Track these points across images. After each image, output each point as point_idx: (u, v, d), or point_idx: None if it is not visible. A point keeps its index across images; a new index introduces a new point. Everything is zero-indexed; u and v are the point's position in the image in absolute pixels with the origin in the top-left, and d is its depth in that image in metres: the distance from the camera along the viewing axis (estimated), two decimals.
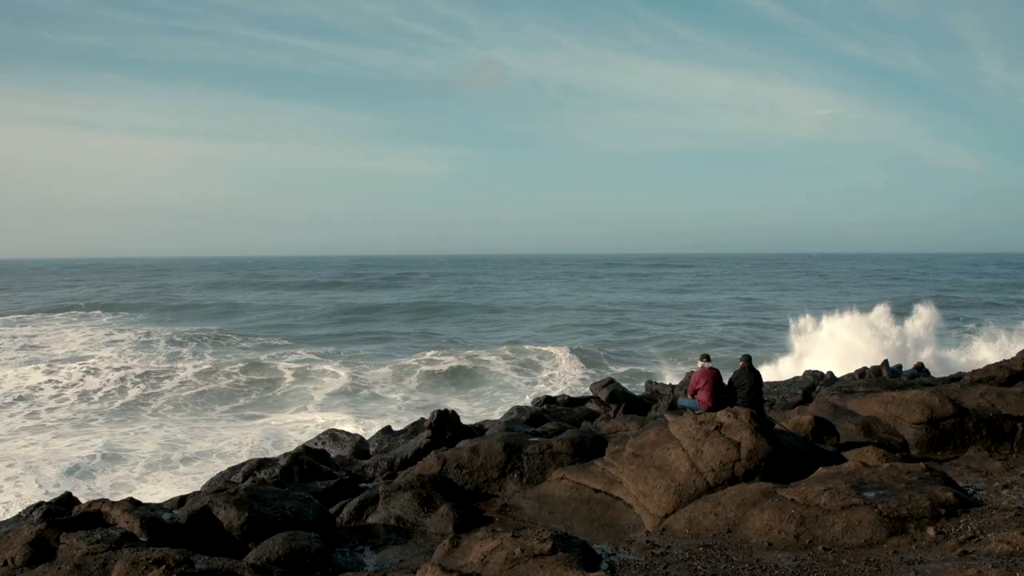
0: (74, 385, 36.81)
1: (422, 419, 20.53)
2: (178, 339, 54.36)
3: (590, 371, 41.16)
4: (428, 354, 45.64)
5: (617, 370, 41.11)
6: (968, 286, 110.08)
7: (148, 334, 57.31)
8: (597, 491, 11.47)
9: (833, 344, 42.23)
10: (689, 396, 14.86)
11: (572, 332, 59.69)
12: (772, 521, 9.24)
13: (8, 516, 12.51)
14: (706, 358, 14.83)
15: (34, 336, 56.93)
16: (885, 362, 28.38)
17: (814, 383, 24.55)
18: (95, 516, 9.98)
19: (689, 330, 58.94)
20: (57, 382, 37.18)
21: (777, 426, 12.96)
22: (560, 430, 16.02)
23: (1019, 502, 9.69)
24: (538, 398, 24.75)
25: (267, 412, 32.84)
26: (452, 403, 32.44)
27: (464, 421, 18.30)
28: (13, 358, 46.12)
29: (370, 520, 11.61)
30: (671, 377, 35.43)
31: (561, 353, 45.49)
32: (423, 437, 16.43)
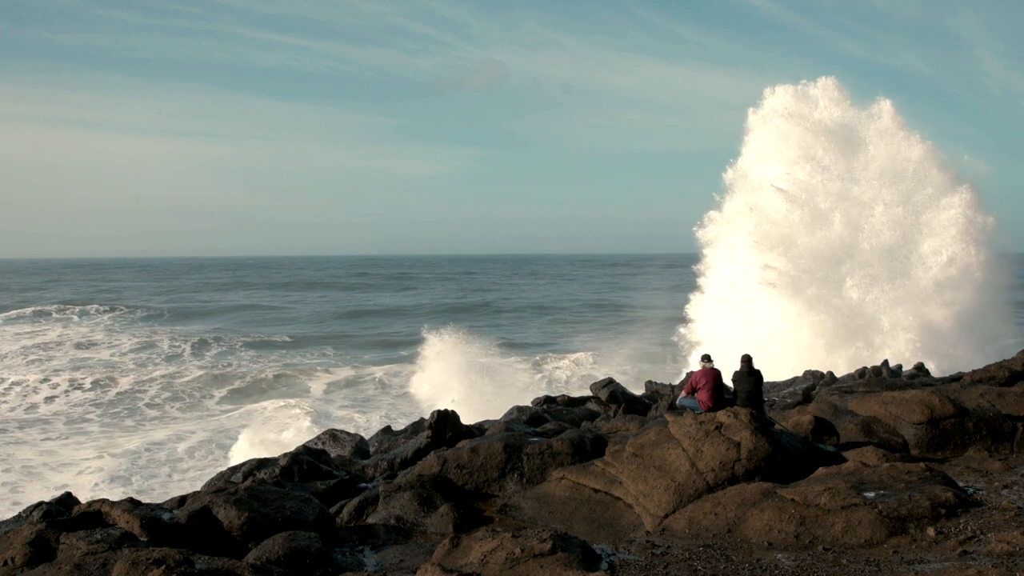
0: (73, 383, 36.80)
1: (422, 419, 20.52)
2: (179, 337, 54.36)
3: (591, 371, 41.14)
4: (427, 354, 45.61)
5: (618, 369, 41.09)
6: None
7: (147, 333, 57.33)
8: (597, 491, 11.47)
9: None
10: (686, 395, 14.86)
11: (572, 331, 59.68)
12: (772, 521, 9.24)
13: (8, 516, 12.51)
14: (707, 358, 14.81)
15: (34, 335, 56.92)
16: (885, 362, 28.32)
17: (814, 383, 24.52)
18: (95, 516, 9.98)
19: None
20: (56, 380, 37.18)
21: (777, 426, 12.96)
22: (560, 430, 16.02)
23: (1019, 502, 9.69)
24: (538, 398, 24.72)
25: (266, 408, 32.80)
26: (451, 402, 32.40)
27: (464, 421, 18.29)
28: (12, 359, 46.08)
29: (370, 520, 11.62)
30: (670, 376, 35.44)
31: (563, 354, 45.49)
32: (423, 437, 16.42)
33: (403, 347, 52.40)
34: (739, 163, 32.28)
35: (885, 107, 33.70)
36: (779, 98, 31.63)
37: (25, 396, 34.67)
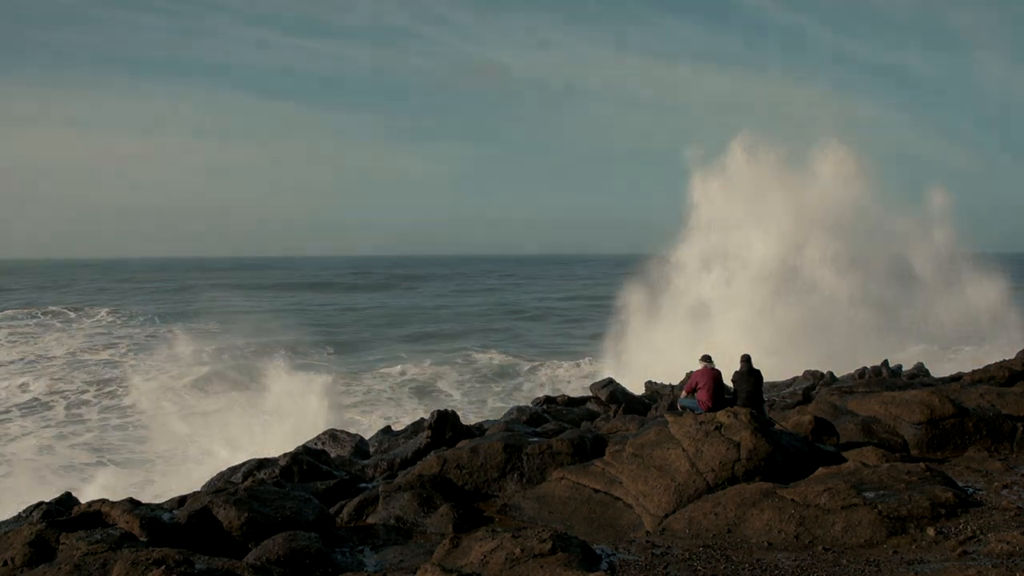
0: (72, 383, 36.78)
1: (422, 419, 20.52)
2: (179, 337, 54.29)
3: (591, 371, 41.15)
4: (427, 355, 45.66)
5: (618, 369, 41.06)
6: None
7: (147, 333, 57.30)
8: (597, 491, 11.47)
9: None
10: (686, 395, 14.87)
11: (571, 332, 59.69)
12: (772, 521, 9.24)
13: (8, 516, 12.51)
14: (707, 359, 14.80)
15: (33, 336, 56.89)
16: (885, 362, 28.32)
17: (814, 383, 24.53)
18: (95, 516, 9.98)
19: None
20: (55, 380, 37.16)
21: (777, 426, 12.97)
22: (560, 430, 16.03)
23: (1019, 502, 9.69)
24: (538, 398, 24.73)
25: (265, 406, 32.75)
26: (451, 403, 32.44)
27: (464, 422, 18.30)
28: (11, 359, 46.07)
29: (370, 520, 11.62)
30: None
31: (561, 356, 45.48)
32: (423, 437, 16.42)
33: (403, 346, 52.46)
34: (667, 271, 20.47)
35: (938, 209, 22.55)
36: (747, 156, 19.49)
37: (24, 396, 34.65)
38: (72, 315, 71.69)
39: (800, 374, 26.96)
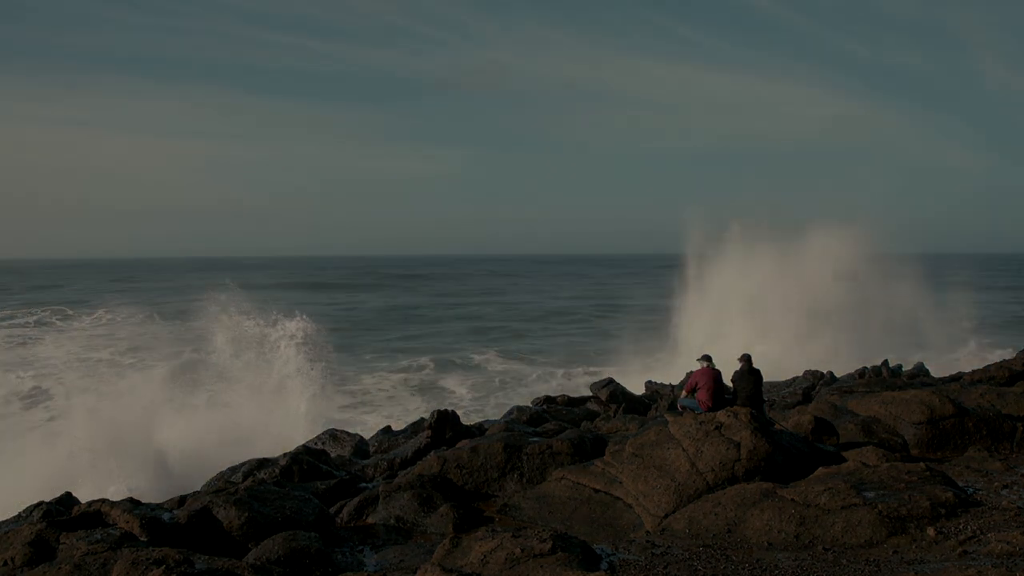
0: (71, 382, 36.72)
1: (422, 419, 20.52)
2: (179, 337, 54.28)
3: (590, 371, 41.13)
4: (427, 355, 45.66)
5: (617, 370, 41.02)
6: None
7: (148, 333, 57.22)
8: (597, 491, 11.48)
9: None
10: (685, 395, 14.87)
11: (572, 331, 59.67)
12: (772, 521, 9.25)
13: (8, 516, 12.50)
14: (707, 359, 14.79)
15: (32, 336, 56.87)
16: (885, 362, 28.34)
17: (814, 383, 24.53)
18: (95, 516, 9.99)
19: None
20: (55, 379, 37.11)
21: (777, 426, 12.96)
22: (560, 430, 16.03)
23: (1019, 502, 9.69)
24: (538, 398, 24.71)
25: (265, 406, 32.70)
26: (452, 402, 32.42)
27: (464, 421, 18.29)
28: (8, 359, 46.04)
29: (370, 520, 11.62)
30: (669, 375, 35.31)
31: (562, 356, 45.46)
32: (423, 437, 16.43)
33: (404, 346, 52.46)
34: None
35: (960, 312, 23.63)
36: (743, 246, 20.01)
37: (22, 396, 34.63)
38: (71, 314, 71.67)
39: (800, 374, 26.96)
